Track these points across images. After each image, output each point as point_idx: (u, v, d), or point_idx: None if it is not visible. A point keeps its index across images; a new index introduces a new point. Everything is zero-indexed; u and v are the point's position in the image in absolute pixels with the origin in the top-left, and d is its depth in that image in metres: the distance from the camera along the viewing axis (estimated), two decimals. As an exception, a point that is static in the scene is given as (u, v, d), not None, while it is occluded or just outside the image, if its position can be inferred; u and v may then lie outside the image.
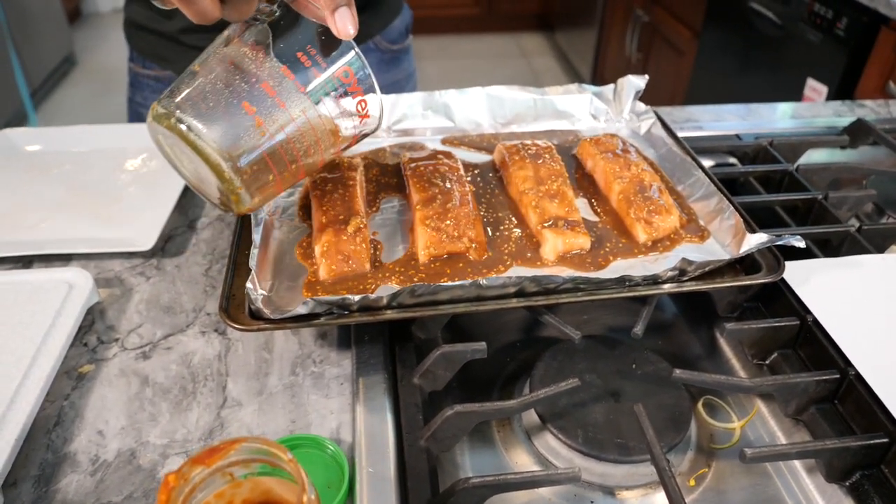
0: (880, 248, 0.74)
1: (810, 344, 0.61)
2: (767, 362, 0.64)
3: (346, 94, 0.55)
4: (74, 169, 0.87)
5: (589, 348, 0.63)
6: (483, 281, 0.57)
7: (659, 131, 0.82)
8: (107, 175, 0.86)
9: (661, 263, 0.65)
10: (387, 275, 0.63)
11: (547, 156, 0.75)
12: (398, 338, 0.63)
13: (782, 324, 0.62)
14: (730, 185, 0.87)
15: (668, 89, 2.53)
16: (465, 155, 0.81)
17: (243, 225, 0.68)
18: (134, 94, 1.08)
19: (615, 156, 0.75)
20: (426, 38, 3.98)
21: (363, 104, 0.56)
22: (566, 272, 0.63)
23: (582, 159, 0.80)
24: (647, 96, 0.87)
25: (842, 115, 1.06)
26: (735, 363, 0.68)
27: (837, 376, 0.57)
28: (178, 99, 0.50)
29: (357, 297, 0.56)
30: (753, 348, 0.64)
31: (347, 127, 0.57)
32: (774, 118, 1.04)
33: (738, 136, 0.94)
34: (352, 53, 0.54)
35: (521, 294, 0.59)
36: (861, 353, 0.57)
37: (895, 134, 0.95)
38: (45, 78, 3.30)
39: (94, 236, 0.76)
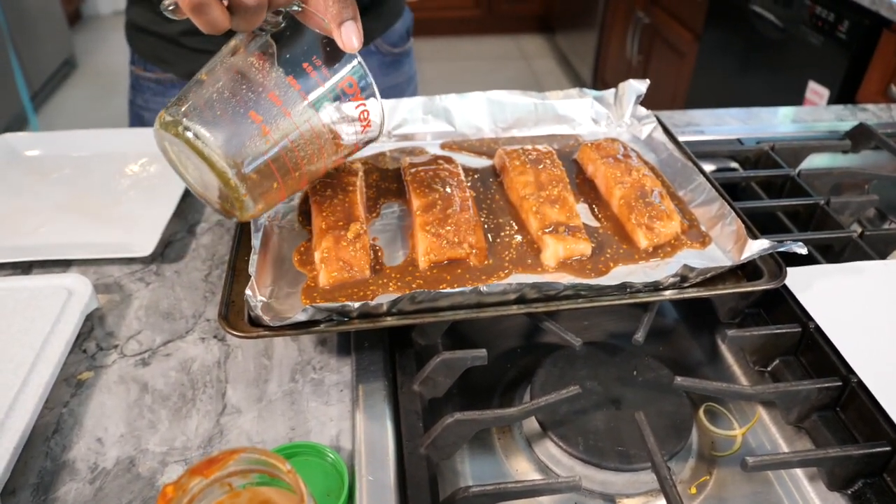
0: (883, 254, 0.73)
1: (812, 351, 0.61)
2: (769, 369, 0.63)
3: (349, 103, 0.56)
4: (74, 174, 0.87)
5: (590, 355, 0.63)
6: (483, 287, 0.57)
7: (660, 136, 0.82)
8: (107, 180, 0.86)
9: (662, 270, 0.64)
10: (387, 281, 0.63)
11: (547, 161, 0.75)
12: (398, 344, 0.63)
13: (784, 330, 0.61)
14: (731, 190, 0.86)
15: (669, 92, 2.53)
16: (465, 160, 0.81)
17: (243, 230, 0.67)
18: (135, 96, 1.08)
19: (616, 161, 0.75)
20: (426, 40, 3.98)
21: (365, 113, 0.58)
22: (567, 278, 0.63)
23: (583, 164, 0.79)
24: (647, 99, 0.86)
25: (844, 119, 1.05)
26: (736, 370, 0.67)
27: (839, 384, 0.56)
28: (185, 107, 0.51)
29: (357, 304, 0.56)
30: (755, 355, 0.63)
31: (350, 135, 0.58)
32: (776, 122, 1.04)
33: (739, 141, 0.94)
34: (355, 64, 0.56)
35: (521, 300, 0.59)
36: (863, 360, 0.57)
37: (896, 138, 0.95)
38: (45, 81, 3.30)
39: (94, 241, 0.76)
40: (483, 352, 0.57)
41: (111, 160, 0.89)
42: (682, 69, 2.42)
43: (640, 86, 0.85)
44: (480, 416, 0.53)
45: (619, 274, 0.64)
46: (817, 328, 0.60)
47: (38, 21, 3.20)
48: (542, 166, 0.74)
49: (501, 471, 0.58)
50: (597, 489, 0.55)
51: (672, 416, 0.58)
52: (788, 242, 0.61)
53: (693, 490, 0.56)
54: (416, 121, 0.84)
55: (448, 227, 0.65)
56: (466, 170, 0.78)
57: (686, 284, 0.62)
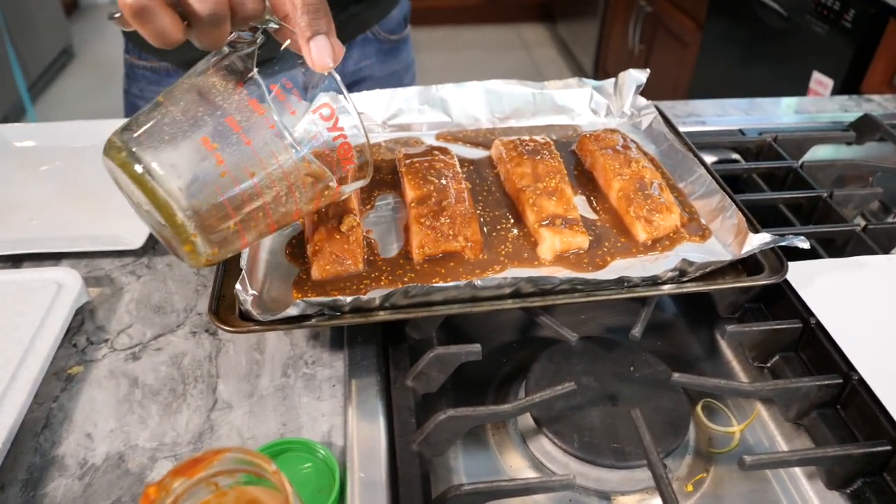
0: (886, 248, 0.72)
1: (813, 347, 0.60)
2: (769, 365, 0.63)
3: (325, 133, 0.49)
4: (66, 165, 0.86)
5: (586, 350, 0.62)
6: (478, 282, 0.56)
7: (660, 126, 0.81)
8: (99, 171, 0.84)
9: (660, 264, 0.63)
10: (380, 274, 0.62)
11: (545, 152, 0.74)
12: (392, 339, 0.62)
13: (784, 326, 0.60)
14: (733, 182, 0.85)
15: (671, 82, 2.50)
16: (461, 151, 0.80)
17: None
18: (130, 85, 1.06)
19: (615, 152, 0.73)
20: (426, 30, 3.95)
21: (346, 147, 0.50)
22: (563, 273, 0.62)
23: (581, 155, 0.78)
24: (649, 89, 0.85)
25: (848, 109, 1.04)
26: (735, 365, 0.66)
27: (840, 381, 0.55)
28: (133, 130, 0.46)
29: (349, 299, 0.55)
30: (754, 351, 0.62)
31: (327, 174, 0.51)
32: (779, 113, 1.02)
33: (741, 132, 0.92)
34: (333, 87, 0.49)
35: (517, 295, 0.58)
36: (865, 357, 0.56)
37: (901, 129, 0.93)
38: (42, 70, 3.28)
39: (85, 234, 0.75)
40: (477, 347, 0.56)
41: (101, 152, 0.88)
42: (684, 59, 2.40)
43: (640, 76, 0.84)
44: (473, 412, 0.52)
45: (617, 268, 0.63)
46: (818, 324, 0.59)
47: (36, 10, 3.18)
48: (539, 158, 0.72)
49: (495, 467, 0.57)
50: (592, 486, 0.54)
51: (669, 412, 0.57)
52: (790, 236, 0.60)
53: (690, 487, 0.56)
54: (412, 111, 0.83)
55: (443, 220, 0.64)
56: (462, 161, 0.77)
57: (685, 279, 0.61)
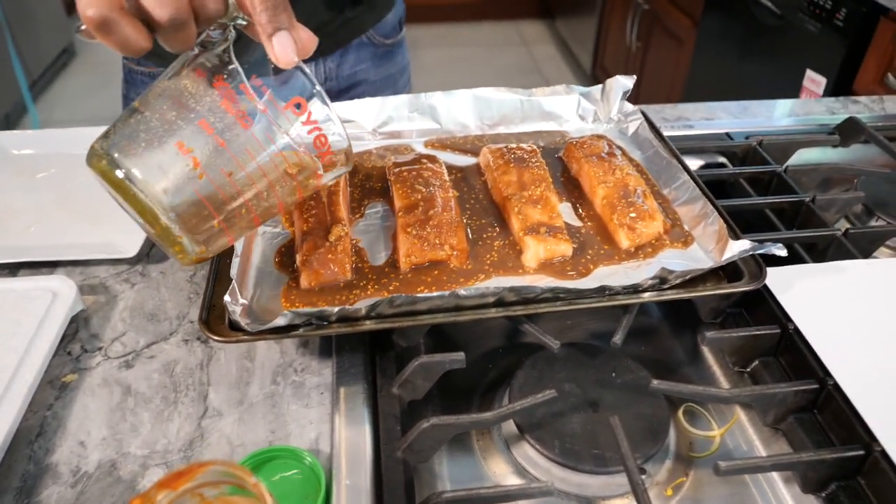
0: (867, 252, 0.73)
1: (791, 352, 0.61)
2: (748, 370, 0.64)
3: (299, 127, 0.50)
4: (62, 173, 0.87)
5: (570, 356, 0.63)
6: (462, 291, 0.57)
7: (646, 132, 0.82)
8: (94, 179, 0.86)
9: (642, 271, 0.64)
10: (367, 283, 0.63)
11: (532, 160, 0.75)
12: (379, 346, 0.63)
13: (763, 332, 0.61)
14: (719, 187, 0.86)
15: (668, 78, 2.51)
16: (450, 158, 0.81)
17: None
18: (128, 90, 1.08)
19: (600, 159, 0.74)
20: (425, 27, 3.95)
21: (322, 139, 0.50)
22: (545, 281, 0.63)
23: (567, 162, 0.79)
24: (646, 86, 0.86)
25: (835, 112, 1.05)
26: (717, 370, 0.68)
27: (816, 386, 0.57)
28: (112, 138, 0.47)
29: (336, 309, 0.56)
30: (734, 356, 0.64)
31: (305, 166, 0.51)
32: (767, 116, 1.03)
33: (728, 135, 0.93)
34: (302, 80, 0.49)
35: (500, 303, 0.59)
36: (840, 362, 0.57)
37: (887, 132, 0.94)
38: (44, 70, 3.29)
39: (81, 242, 0.76)
40: (461, 355, 0.58)
41: (98, 159, 0.89)
42: (680, 56, 2.40)
43: (626, 82, 0.85)
44: (456, 420, 0.53)
45: (600, 275, 0.64)
46: (796, 330, 0.60)
47: (37, 9, 3.19)
48: (525, 165, 0.73)
49: (479, 473, 0.59)
50: (573, 491, 0.56)
51: (649, 418, 0.58)
52: (768, 244, 0.61)
53: (669, 492, 0.57)
54: (401, 119, 0.84)
55: (429, 229, 0.65)
56: (451, 168, 0.78)
57: (665, 286, 0.62)
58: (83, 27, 0.45)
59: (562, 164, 0.80)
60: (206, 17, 0.47)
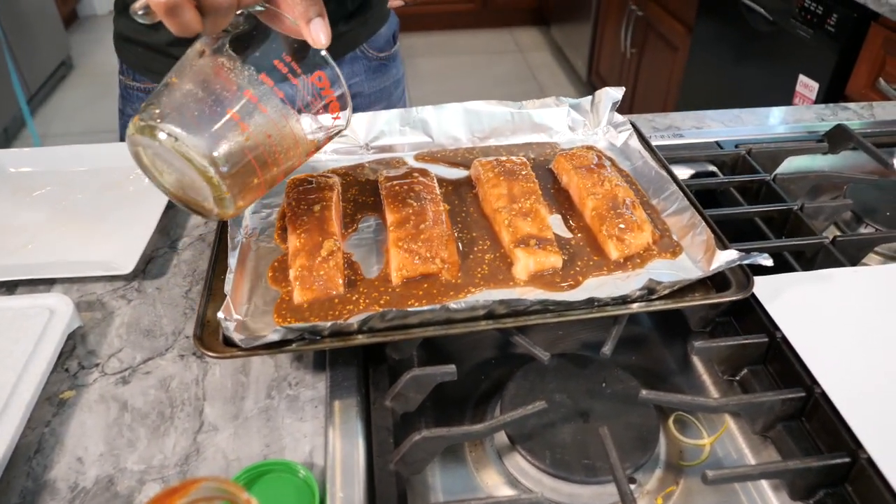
0: (855, 259, 0.74)
1: (779, 361, 0.62)
2: (738, 378, 0.65)
3: (319, 97, 0.58)
4: (58, 190, 0.88)
5: (560, 367, 0.64)
6: (452, 304, 0.58)
7: (636, 143, 0.83)
8: (91, 196, 0.87)
9: (631, 282, 0.65)
10: (359, 297, 0.64)
11: (522, 172, 0.76)
12: (372, 359, 0.64)
13: (751, 341, 0.62)
14: (709, 196, 0.87)
15: (663, 85, 2.52)
16: (442, 171, 0.82)
17: (220, 249, 0.69)
18: (125, 105, 1.09)
19: (589, 171, 0.75)
20: (421, 35, 3.97)
21: (336, 106, 0.60)
22: (535, 294, 0.64)
23: (558, 174, 0.80)
24: (641, 92, 0.88)
25: (825, 119, 1.06)
26: (706, 378, 0.68)
27: (803, 395, 0.57)
28: (159, 110, 0.52)
29: (328, 324, 0.57)
30: (723, 365, 0.64)
31: (322, 127, 0.61)
32: (757, 124, 1.04)
33: (718, 144, 0.94)
34: (323, 58, 0.57)
35: (490, 316, 0.60)
36: (827, 370, 0.58)
37: (877, 138, 0.95)
38: (42, 83, 3.31)
39: (78, 259, 0.77)
40: (452, 368, 0.58)
41: (95, 176, 0.90)
42: (675, 63, 2.42)
43: (615, 93, 0.86)
44: (447, 433, 0.54)
45: (590, 286, 0.65)
46: (783, 338, 0.61)
47: (34, 22, 3.21)
48: (515, 178, 0.74)
49: (472, 484, 0.59)
50: (564, 501, 0.56)
51: (639, 428, 0.59)
52: (754, 254, 0.62)
53: (659, 500, 0.58)
54: (393, 133, 0.85)
55: (420, 243, 0.66)
56: (442, 181, 0.79)
57: (654, 297, 0.63)
58: (143, 10, 0.50)
59: (552, 176, 0.81)
60: (245, 4, 0.54)
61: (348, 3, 0.98)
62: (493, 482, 0.59)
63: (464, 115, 0.86)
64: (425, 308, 0.58)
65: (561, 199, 0.77)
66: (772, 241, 0.76)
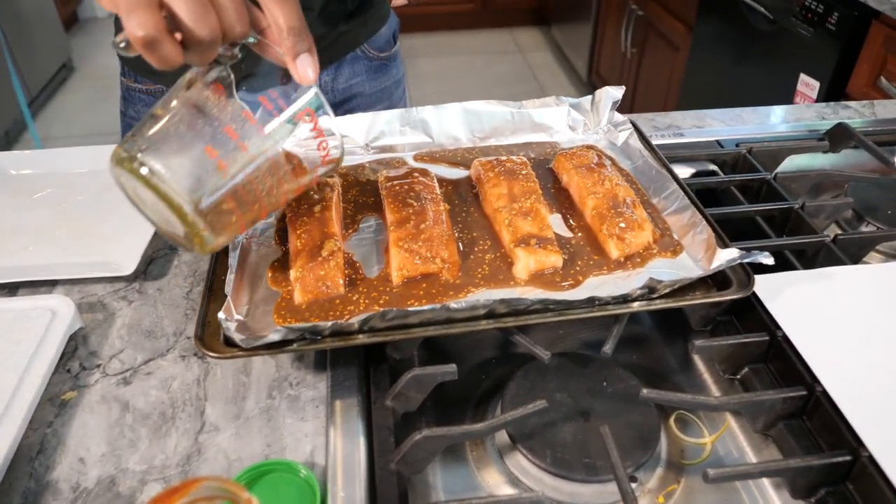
0: (856, 258, 0.74)
1: (780, 359, 0.62)
2: (739, 377, 0.64)
3: (307, 133, 0.56)
4: (59, 192, 0.88)
5: (561, 366, 0.64)
6: (453, 304, 0.58)
7: (636, 142, 0.83)
8: (91, 197, 0.87)
9: (632, 281, 0.65)
10: (360, 297, 0.64)
11: (522, 172, 0.76)
12: (373, 359, 0.64)
13: (751, 340, 0.62)
14: (710, 195, 0.87)
15: (664, 84, 2.52)
16: (442, 171, 0.82)
17: (221, 249, 0.69)
18: (126, 107, 1.09)
19: (589, 170, 0.75)
20: (421, 36, 3.98)
21: (324, 144, 0.58)
22: (535, 293, 0.64)
23: (558, 173, 0.80)
24: (642, 92, 0.88)
25: (826, 117, 1.05)
26: (707, 377, 0.68)
27: (804, 393, 0.57)
28: (140, 142, 0.51)
29: (328, 324, 0.57)
30: (724, 363, 0.64)
31: (308, 164, 0.58)
32: (757, 123, 1.04)
33: (718, 143, 0.94)
34: (312, 94, 0.55)
35: (491, 315, 0.60)
36: (828, 368, 0.58)
37: (878, 136, 0.95)
38: (43, 86, 3.31)
39: (79, 260, 0.77)
40: (453, 367, 0.58)
41: (95, 177, 0.90)
42: (676, 62, 2.42)
43: (616, 92, 0.86)
44: (448, 432, 0.54)
45: (590, 286, 0.65)
46: (784, 337, 0.61)
47: (34, 25, 3.22)
48: (515, 178, 0.74)
49: (473, 483, 0.59)
50: (565, 500, 0.56)
51: (640, 427, 0.59)
52: (755, 252, 0.61)
53: (661, 499, 0.58)
54: (394, 133, 0.85)
55: (420, 243, 0.66)
56: (442, 181, 0.79)
57: (654, 295, 0.63)
58: (123, 44, 0.49)
59: (552, 175, 0.81)
60: (232, 38, 0.52)
61: (348, 2, 0.98)
62: (494, 481, 0.59)
63: (464, 115, 0.86)
64: (426, 308, 0.58)
65: (561, 199, 0.77)
66: (773, 239, 0.76)
